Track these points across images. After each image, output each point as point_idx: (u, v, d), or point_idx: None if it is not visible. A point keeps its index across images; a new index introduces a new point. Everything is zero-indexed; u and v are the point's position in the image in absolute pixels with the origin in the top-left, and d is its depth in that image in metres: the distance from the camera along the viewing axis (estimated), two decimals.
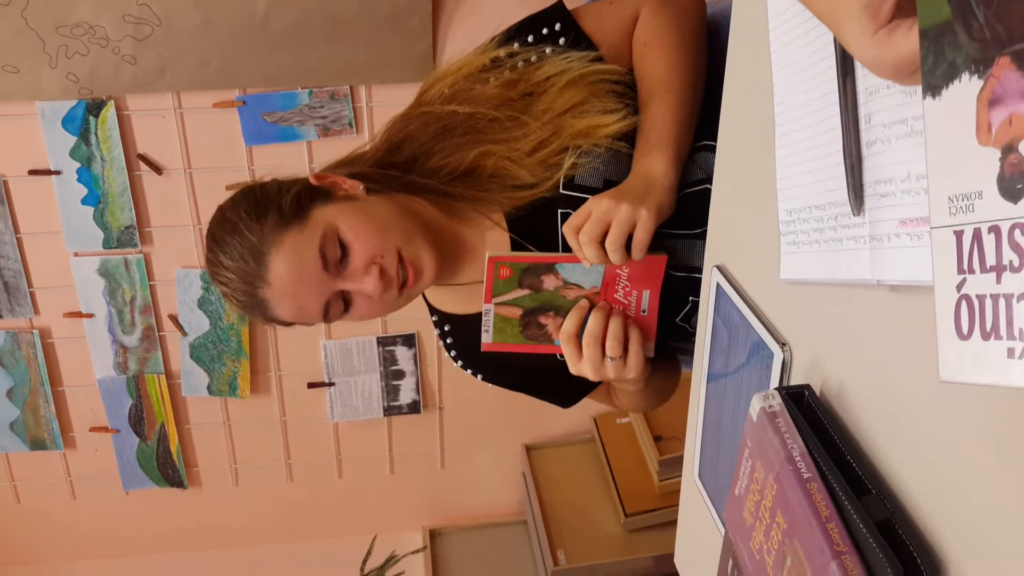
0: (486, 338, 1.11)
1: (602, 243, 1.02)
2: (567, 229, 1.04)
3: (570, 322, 1.09)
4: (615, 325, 1.07)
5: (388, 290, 1.11)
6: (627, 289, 1.07)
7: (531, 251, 1.11)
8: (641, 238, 1.01)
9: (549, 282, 1.08)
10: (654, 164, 1.07)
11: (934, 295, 0.47)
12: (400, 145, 1.20)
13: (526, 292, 1.08)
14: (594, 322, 1.06)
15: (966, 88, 0.44)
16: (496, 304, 1.08)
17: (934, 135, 0.47)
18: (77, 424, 2.55)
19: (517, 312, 1.09)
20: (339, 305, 1.12)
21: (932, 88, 0.46)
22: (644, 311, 1.08)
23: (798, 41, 0.71)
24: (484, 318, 1.09)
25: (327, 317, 1.13)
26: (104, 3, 1.99)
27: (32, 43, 2.02)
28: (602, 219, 1.01)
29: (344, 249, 1.09)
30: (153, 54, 2.07)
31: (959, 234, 0.46)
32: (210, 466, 2.67)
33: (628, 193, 1.04)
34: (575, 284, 1.08)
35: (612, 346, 1.07)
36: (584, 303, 1.08)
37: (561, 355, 1.13)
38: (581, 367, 1.10)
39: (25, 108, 2.13)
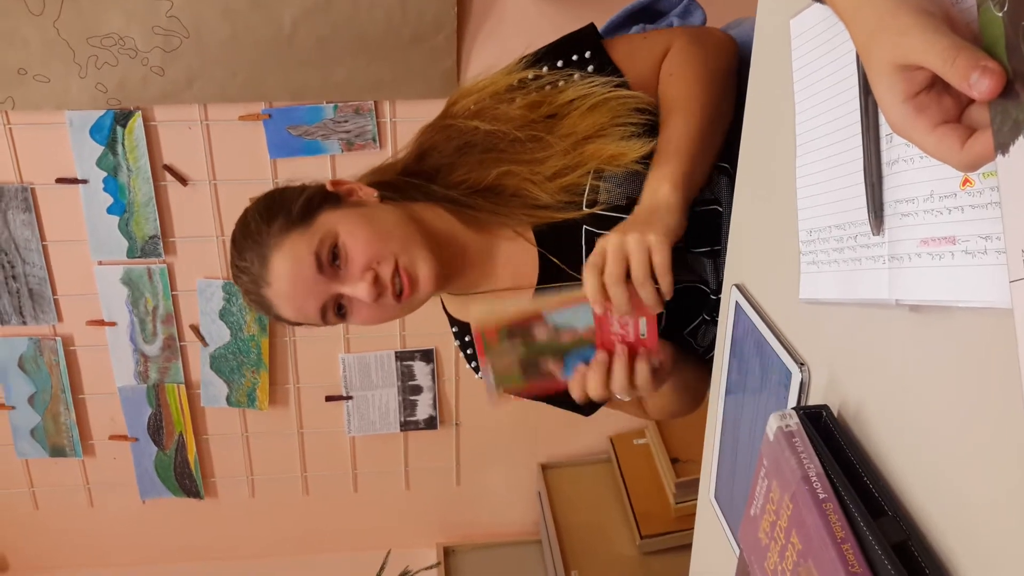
0: (491, 392, 1.08)
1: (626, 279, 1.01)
2: (588, 272, 1.01)
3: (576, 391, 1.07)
4: (618, 373, 1.04)
5: (382, 297, 1.12)
6: (623, 321, 1.04)
7: (525, 300, 1.08)
8: (660, 263, 0.99)
9: (540, 333, 1.05)
10: (660, 186, 1.07)
11: (1018, 350, 0.47)
12: (426, 154, 1.22)
13: (519, 344, 1.05)
14: (593, 380, 1.04)
15: None
16: (491, 361, 1.06)
17: (1006, 190, 0.47)
18: (96, 432, 2.57)
19: (515, 363, 1.06)
20: (337, 309, 1.14)
21: (1001, 146, 0.47)
22: (643, 335, 1.04)
23: (820, 60, 0.71)
24: (485, 378, 1.07)
25: (326, 320, 1.15)
26: (134, 15, 2.02)
27: (63, 53, 2.05)
28: (617, 255, 1.00)
29: (342, 254, 1.11)
30: (181, 66, 2.09)
31: None
32: (227, 477, 2.68)
33: (634, 224, 1.03)
34: (567, 328, 1.05)
35: (622, 392, 1.05)
36: (602, 357, 1.04)
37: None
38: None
39: (54, 117, 2.16)
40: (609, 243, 1.01)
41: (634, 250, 1.00)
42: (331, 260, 1.11)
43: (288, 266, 1.11)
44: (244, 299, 1.19)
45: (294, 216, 1.13)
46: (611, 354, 1.05)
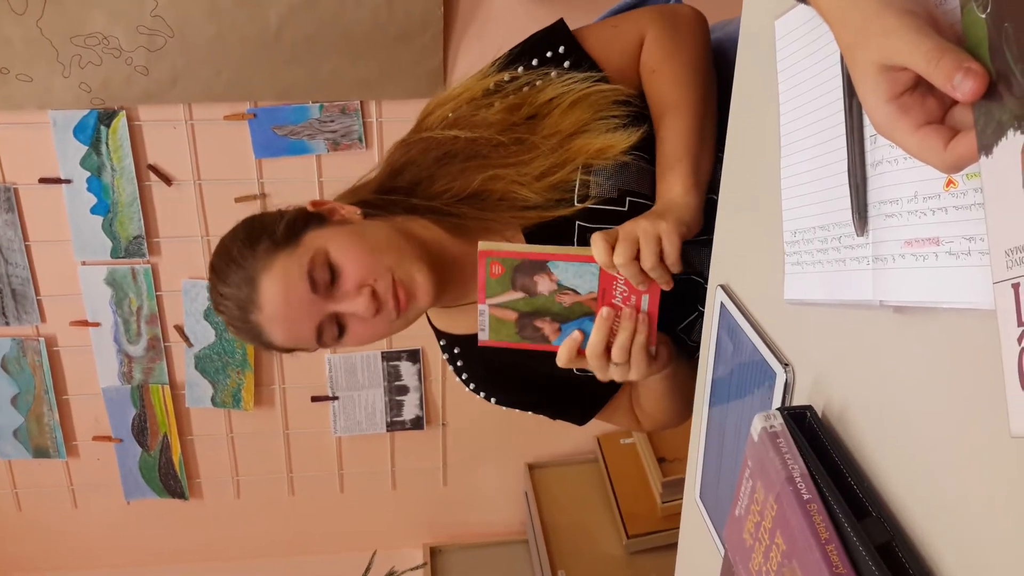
0: (483, 336, 1.08)
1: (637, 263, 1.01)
2: (597, 237, 1.00)
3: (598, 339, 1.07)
4: (623, 334, 1.04)
5: (381, 311, 1.09)
6: (625, 295, 1.04)
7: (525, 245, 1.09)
8: (669, 250, 0.99)
9: (543, 284, 1.04)
10: (672, 189, 1.08)
11: (1001, 351, 0.47)
12: (401, 171, 1.19)
13: (520, 296, 1.05)
14: (595, 336, 1.04)
15: (1012, 143, 0.45)
16: (490, 305, 1.06)
17: (989, 191, 0.47)
18: (80, 433, 2.56)
19: (512, 315, 1.07)
20: (333, 329, 1.11)
21: (984, 147, 0.47)
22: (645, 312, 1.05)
23: (805, 61, 0.71)
24: (480, 318, 1.07)
25: (321, 341, 1.12)
26: (118, 14, 2.01)
27: (46, 52, 2.04)
28: (628, 237, 1.00)
29: (334, 271, 1.08)
30: (165, 65, 2.08)
31: (1016, 287, 0.45)
32: (212, 478, 2.67)
33: (647, 215, 1.04)
34: (570, 288, 1.05)
35: (620, 353, 1.05)
36: (608, 312, 1.06)
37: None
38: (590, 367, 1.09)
39: (37, 117, 2.15)
40: (621, 227, 1.01)
41: (645, 236, 0.99)
42: (328, 280, 1.08)
43: (280, 288, 1.08)
44: (229, 329, 1.15)
45: (279, 238, 1.10)
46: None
